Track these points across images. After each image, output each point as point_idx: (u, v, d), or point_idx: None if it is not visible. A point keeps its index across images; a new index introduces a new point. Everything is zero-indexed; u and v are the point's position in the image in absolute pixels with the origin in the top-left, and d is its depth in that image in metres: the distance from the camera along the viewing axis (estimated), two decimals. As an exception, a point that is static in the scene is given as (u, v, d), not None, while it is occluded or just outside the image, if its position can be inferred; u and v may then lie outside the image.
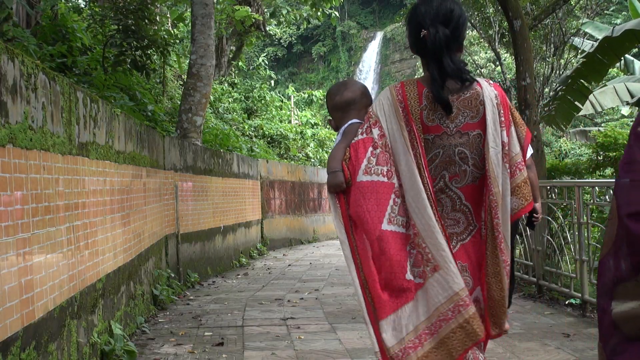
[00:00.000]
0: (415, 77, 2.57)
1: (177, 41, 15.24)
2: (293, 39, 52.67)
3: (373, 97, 2.58)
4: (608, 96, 12.40)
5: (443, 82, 2.35)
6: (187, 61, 12.50)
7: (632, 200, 1.59)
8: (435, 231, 2.29)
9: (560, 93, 11.06)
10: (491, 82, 2.48)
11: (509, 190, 2.39)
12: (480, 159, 2.39)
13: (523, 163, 2.44)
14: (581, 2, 16.07)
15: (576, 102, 10.79)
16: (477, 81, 2.41)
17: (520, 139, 2.46)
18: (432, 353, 2.27)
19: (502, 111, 2.39)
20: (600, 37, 10.97)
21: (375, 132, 2.39)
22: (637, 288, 1.55)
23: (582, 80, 10.27)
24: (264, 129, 18.24)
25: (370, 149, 2.37)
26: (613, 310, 1.62)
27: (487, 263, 2.38)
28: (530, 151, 3.02)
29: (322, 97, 27.23)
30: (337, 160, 2.43)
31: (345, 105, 2.63)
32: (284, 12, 20.04)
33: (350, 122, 2.57)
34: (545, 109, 11.06)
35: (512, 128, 2.43)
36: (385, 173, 2.35)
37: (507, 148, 2.39)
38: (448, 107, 2.35)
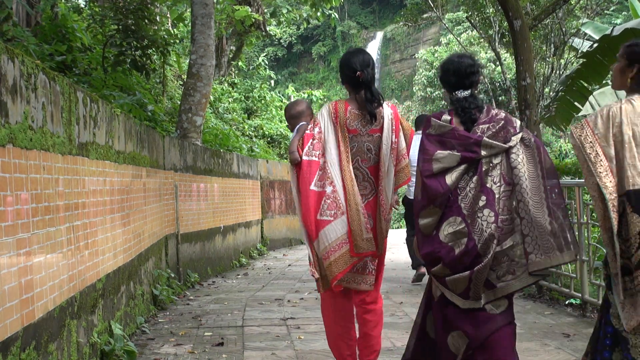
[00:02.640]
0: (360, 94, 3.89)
1: (177, 41, 15.23)
2: (293, 39, 52.66)
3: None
4: (608, 97, 12.36)
5: (373, 101, 3.89)
6: (187, 61, 12.50)
7: (425, 169, 3.38)
8: (341, 193, 3.84)
9: (560, 94, 11.05)
10: (389, 103, 4.00)
11: (392, 172, 3.94)
12: (376, 151, 3.92)
13: (406, 155, 3.99)
14: (581, 2, 16.06)
15: (576, 103, 10.77)
16: (382, 104, 3.96)
17: (406, 139, 4.02)
18: (338, 260, 3.84)
19: (394, 123, 3.93)
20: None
21: (316, 130, 3.91)
22: (428, 212, 3.36)
23: (582, 81, 10.25)
24: (264, 129, 18.24)
25: (311, 140, 3.89)
26: (420, 223, 3.41)
27: (378, 211, 3.96)
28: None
29: (322, 97, 27.24)
30: (294, 145, 3.95)
31: (298, 115, 4.28)
32: (284, 12, 20.03)
33: (300, 124, 4.16)
34: (546, 110, 11.05)
35: (401, 133, 3.98)
36: (317, 155, 3.88)
37: (395, 145, 3.94)
38: (375, 116, 3.90)
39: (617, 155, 3.33)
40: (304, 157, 3.88)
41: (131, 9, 9.45)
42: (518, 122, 3.51)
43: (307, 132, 3.92)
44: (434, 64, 41.39)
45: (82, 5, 13.35)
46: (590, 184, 3.35)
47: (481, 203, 3.35)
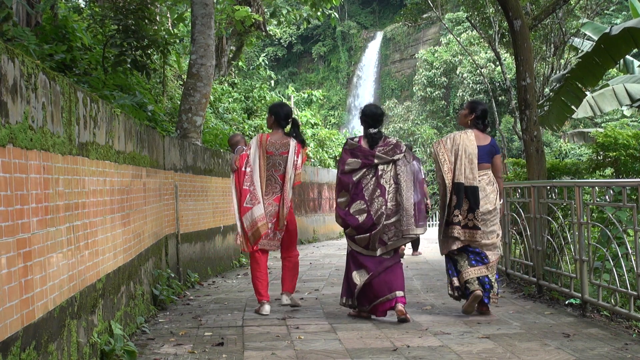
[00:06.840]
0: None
1: (177, 41, 15.22)
2: (293, 39, 52.66)
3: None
4: (607, 99, 12.33)
5: (292, 135, 6.34)
6: (187, 61, 12.49)
7: (340, 169, 5.94)
8: (258, 190, 6.23)
9: (551, 94, 11.02)
10: (294, 139, 6.38)
11: (293, 179, 6.31)
12: (284, 165, 6.28)
13: (300, 167, 6.37)
14: (581, 2, 16.07)
15: (570, 104, 10.73)
16: (290, 137, 6.36)
17: (301, 159, 6.38)
18: (256, 232, 6.23)
19: (296, 149, 6.32)
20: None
21: (249, 151, 6.29)
22: (342, 194, 5.95)
23: (577, 82, 10.21)
24: (264, 129, 18.23)
25: (247, 158, 6.28)
26: (338, 201, 6.00)
27: (282, 204, 6.27)
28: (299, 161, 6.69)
29: (322, 97, 27.27)
30: (234, 161, 6.36)
31: (236, 143, 7.35)
32: (284, 12, 20.02)
33: (237, 147, 6.83)
34: (539, 110, 11.04)
35: (300, 156, 6.33)
36: (249, 168, 6.24)
37: (296, 163, 6.30)
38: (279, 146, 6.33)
39: (455, 162, 5.97)
40: (243, 169, 6.24)
41: (131, 9, 9.45)
42: (404, 147, 5.90)
43: (244, 152, 6.35)
44: (434, 64, 41.37)
45: (82, 6, 13.34)
46: (439, 176, 6.05)
47: (377, 194, 5.80)
